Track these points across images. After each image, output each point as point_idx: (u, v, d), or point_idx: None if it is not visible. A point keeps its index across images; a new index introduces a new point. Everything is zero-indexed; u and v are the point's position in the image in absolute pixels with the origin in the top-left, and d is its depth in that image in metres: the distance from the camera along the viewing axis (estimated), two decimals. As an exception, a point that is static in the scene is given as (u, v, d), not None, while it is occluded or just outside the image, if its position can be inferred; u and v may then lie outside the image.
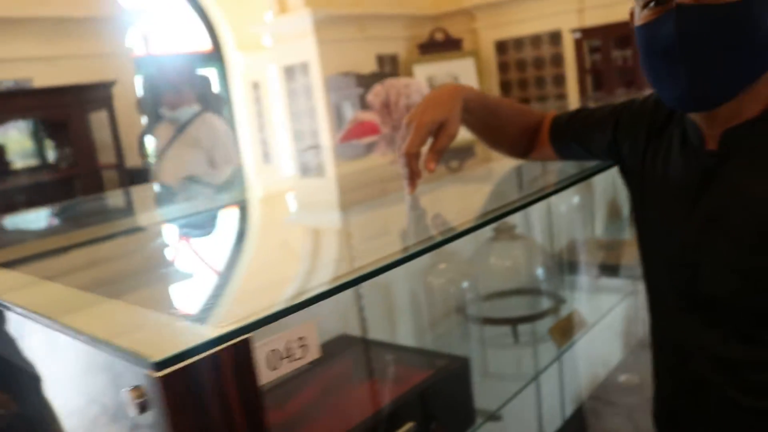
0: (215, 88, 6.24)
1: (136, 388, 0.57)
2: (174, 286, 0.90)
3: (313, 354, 0.68)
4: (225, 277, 0.93)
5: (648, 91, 1.10)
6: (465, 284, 1.93)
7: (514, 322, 1.94)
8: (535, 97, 6.78)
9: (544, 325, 1.97)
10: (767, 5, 0.87)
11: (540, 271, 2.15)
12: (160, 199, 2.14)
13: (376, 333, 1.78)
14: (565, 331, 1.99)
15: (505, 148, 1.30)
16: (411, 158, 1.06)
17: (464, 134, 1.26)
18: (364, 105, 5.64)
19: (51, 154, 4.39)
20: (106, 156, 4.47)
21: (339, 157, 2.66)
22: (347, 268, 0.87)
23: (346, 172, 2.20)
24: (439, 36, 6.85)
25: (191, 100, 3.26)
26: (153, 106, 3.41)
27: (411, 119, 1.07)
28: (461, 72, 6.65)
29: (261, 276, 0.93)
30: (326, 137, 6.28)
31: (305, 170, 2.57)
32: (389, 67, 6.65)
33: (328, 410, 1.34)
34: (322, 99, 6.22)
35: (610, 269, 2.65)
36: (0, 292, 0.86)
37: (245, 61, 7.30)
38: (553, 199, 2.12)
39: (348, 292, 0.84)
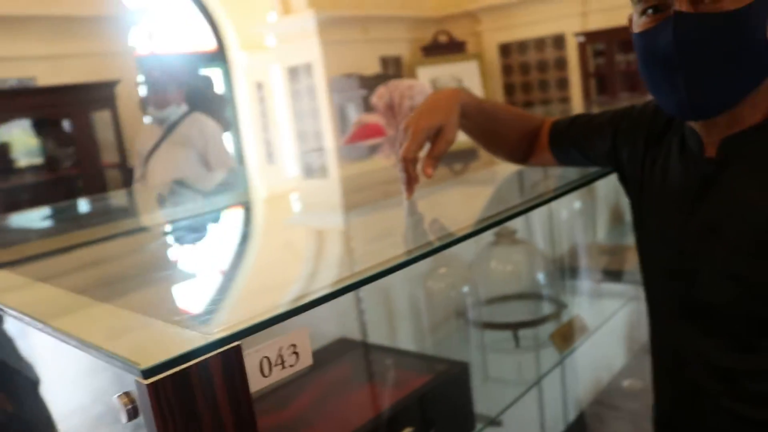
0: (218, 87, 6.24)
1: (125, 394, 0.56)
2: (169, 289, 0.89)
3: (306, 361, 0.67)
4: (220, 281, 0.92)
5: (650, 97, 1.09)
6: (465, 289, 1.91)
7: (514, 327, 1.93)
8: (538, 101, 6.77)
9: (546, 330, 1.96)
10: (766, 13, 0.86)
11: (541, 276, 2.14)
12: (160, 201, 2.14)
13: (376, 337, 1.77)
14: (567, 336, 1.98)
15: (504, 154, 1.30)
16: (408, 163, 1.05)
17: (467, 137, 1.25)
18: (367, 106, 5.64)
19: (54, 153, 4.39)
20: (109, 155, 4.47)
21: (342, 159, 2.66)
22: (345, 272, 0.86)
23: (348, 174, 2.19)
24: (442, 38, 6.85)
25: (179, 99, 3.21)
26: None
27: (408, 124, 1.06)
28: (465, 74, 6.64)
29: (256, 280, 0.92)
30: (329, 138, 6.28)
31: (308, 171, 2.57)
32: (393, 68, 6.65)
33: (327, 414, 1.33)
34: (325, 100, 6.22)
35: (612, 274, 2.63)
36: (-6, 294, 0.86)
37: (249, 62, 7.30)
38: (555, 203, 2.11)
39: (348, 295, 0.84)
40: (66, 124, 4.30)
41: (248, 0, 6.94)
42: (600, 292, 2.54)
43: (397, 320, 1.91)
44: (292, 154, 6.74)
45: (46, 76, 4.27)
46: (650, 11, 0.91)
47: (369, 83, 5.73)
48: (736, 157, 0.93)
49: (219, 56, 7.21)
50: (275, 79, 7.10)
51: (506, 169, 1.44)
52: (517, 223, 2.11)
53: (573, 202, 2.46)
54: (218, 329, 0.60)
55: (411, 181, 1.08)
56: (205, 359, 0.56)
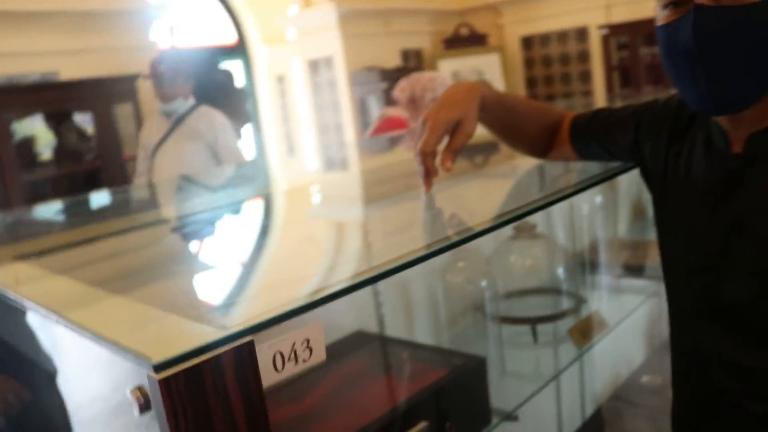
0: (239, 81, 6.25)
1: (138, 388, 0.57)
2: (185, 282, 0.90)
3: (319, 356, 0.67)
4: (237, 274, 0.92)
5: (674, 90, 1.07)
6: (484, 283, 1.91)
7: (533, 321, 1.92)
8: (560, 94, 6.71)
9: (564, 325, 1.95)
10: None
11: (560, 271, 2.12)
12: (179, 194, 2.15)
13: (393, 330, 1.77)
14: (585, 331, 1.97)
15: (524, 147, 1.29)
16: (427, 157, 1.05)
17: (487, 131, 1.24)
18: (388, 99, 5.63)
19: (76, 147, 4.44)
20: (130, 148, 4.51)
21: (363, 151, 2.66)
22: (361, 266, 0.86)
23: (369, 166, 2.19)
24: (464, 31, 6.81)
25: (186, 92, 3.17)
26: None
27: (427, 118, 1.06)
28: (486, 68, 6.60)
29: (272, 274, 0.92)
30: (350, 131, 6.28)
31: (329, 164, 2.57)
32: (414, 61, 6.62)
33: (342, 407, 1.33)
34: (346, 93, 6.21)
35: (633, 270, 2.61)
36: (13, 286, 0.87)
37: (270, 55, 7.31)
38: (576, 198, 2.09)
39: (365, 288, 0.84)
40: (88, 118, 4.34)
41: (269, -7, 6.95)
42: (620, 288, 2.52)
43: (414, 313, 1.90)
44: (312, 146, 6.75)
45: (69, 69, 4.31)
46: (672, 4, 0.90)
47: (390, 76, 5.71)
48: (764, 154, 0.92)
49: (240, 50, 7.23)
50: (296, 72, 7.10)
51: (527, 162, 1.43)
52: (537, 218, 2.10)
53: (594, 197, 2.44)
54: (232, 324, 0.60)
55: (429, 175, 1.07)
56: (218, 354, 0.56)
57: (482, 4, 6.98)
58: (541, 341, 1.92)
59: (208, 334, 0.58)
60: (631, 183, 2.62)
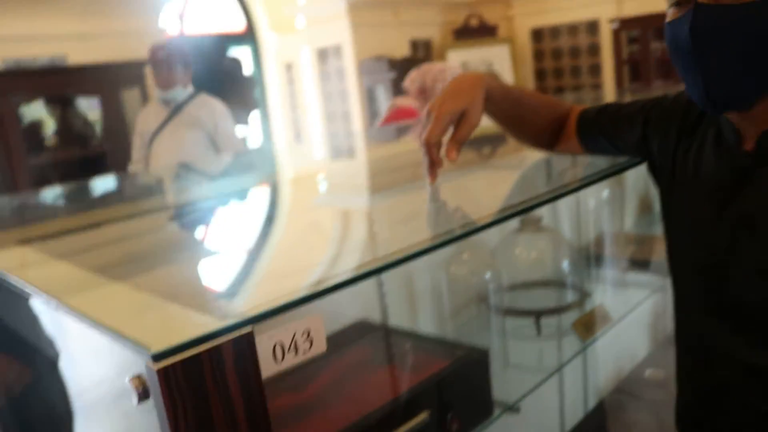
0: (247, 68, 6.25)
1: (137, 376, 0.57)
2: (187, 270, 0.90)
3: (320, 347, 0.67)
4: (240, 263, 0.92)
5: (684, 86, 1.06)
6: (488, 275, 1.90)
7: (537, 314, 1.92)
8: (569, 87, 6.67)
9: (568, 318, 1.94)
10: None
11: (565, 264, 2.11)
12: (185, 181, 2.15)
13: (396, 320, 1.76)
14: (589, 325, 1.96)
15: (530, 140, 1.28)
16: (431, 147, 1.04)
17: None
18: (396, 89, 5.62)
19: (83, 131, 4.44)
20: (137, 134, 4.51)
21: (371, 141, 2.65)
22: (365, 258, 0.86)
23: (376, 156, 2.18)
24: (474, 22, 6.77)
25: (185, 80, 3.13)
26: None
27: (431, 109, 1.05)
28: (496, 59, 6.57)
29: (276, 263, 0.92)
30: (358, 120, 6.27)
31: (335, 152, 2.56)
32: (423, 52, 6.60)
33: (343, 397, 1.33)
34: (354, 82, 6.20)
35: (638, 264, 2.60)
36: (15, 270, 0.87)
37: (278, 43, 7.29)
38: (582, 191, 2.08)
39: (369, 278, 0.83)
40: (95, 102, 4.34)
41: (279, -20, 6.93)
42: (625, 282, 2.51)
43: (418, 304, 1.90)
44: (319, 134, 6.75)
45: (77, 54, 4.31)
46: (677, 3, 0.89)
47: (398, 66, 5.69)
48: None
49: (248, 37, 7.21)
50: (304, 60, 7.09)
51: (534, 154, 1.42)
52: (542, 210, 2.09)
53: (601, 190, 2.43)
54: (232, 314, 0.60)
55: (434, 166, 1.07)
56: (217, 344, 0.56)
57: (493, -5, 6.94)
58: (545, 334, 1.91)
59: (207, 324, 0.58)
60: (638, 177, 2.61)
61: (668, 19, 0.92)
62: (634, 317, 2.31)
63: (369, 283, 1.73)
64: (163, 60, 3.08)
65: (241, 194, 1.66)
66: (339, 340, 1.60)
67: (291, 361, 0.65)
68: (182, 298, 0.72)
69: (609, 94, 4.77)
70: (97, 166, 4.20)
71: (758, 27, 0.83)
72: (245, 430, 0.58)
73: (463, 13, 6.86)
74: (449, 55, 6.57)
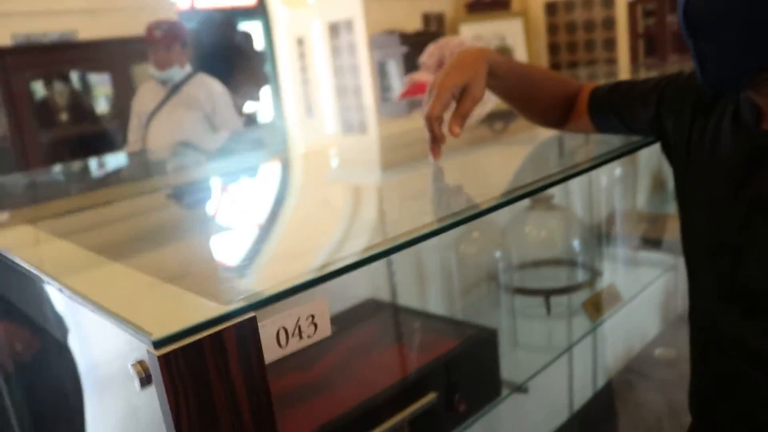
0: (258, 43, 6.21)
1: (140, 362, 0.56)
2: (193, 252, 0.89)
3: (324, 332, 0.66)
4: (245, 245, 0.92)
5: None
6: (498, 253, 1.89)
7: (547, 293, 1.91)
8: (583, 61, 6.59)
9: (579, 298, 1.93)
10: None
11: (576, 243, 2.10)
12: (195, 158, 2.15)
13: (406, 299, 1.76)
14: (599, 305, 1.95)
15: (537, 117, 1.26)
16: (433, 122, 1.03)
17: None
18: (408, 63, 5.57)
19: (96, 107, 4.44)
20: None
21: (382, 115, 2.64)
22: (372, 239, 0.85)
23: (388, 131, 2.17)
24: (487, -5, 6.68)
25: (182, 59, 3.08)
26: (195, 60, 3.32)
27: (434, 83, 1.04)
28: (509, 33, 6.49)
29: (282, 245, 0.91)
30: (369, 95, 6.24)
31: (347, 127, 2.55)
32: (435, 25, 6.53)
33: (351, 376, 1.33)
34: (366, 56, 6.15)
35: (651, 243, 2.58)
36: (20, 250, 0.87)
37: (289, 17, 7.24)
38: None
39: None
40: (106, 78, 4.33)
41: (290, -47, 6.86)
42: (637, 261, 2.50)
43: (427, 283, 1.90)
44: (331, 109, 6.72)
45: (87, 29, 4.30)
46: None
47: (410, 40, 5.64)
48: None
49: (259, 11, 7.16)
50: (316, 34, 7.04)
51: (547, 131, 1.40)
52: (554, 188, 2.07)
53: (613, 168, 2.41)
54: (235, 299, 0.59)
55: (436, 141, 1.06)
56: (219, 330, 0.55)
57: (506, -32, 6.83)
58: (555, 313, 1.91)
59: (210, 309, 0.58)
60: (651, 154, 2.57)
61: None
62: (645, 296, 2.30)
63: (378, 262, 1.72)
64: (160, 39, 3.04)
65: (251, 171, 1.65)
66: (348, 319, 1.60)
67: (295, 346, 0.64)
68: (186, 281, 0.71)
69: (623, 68, 4.71)
70: (105, 142, 4.20)
71: (753, 6, 0.81)
72: (248, 416, 0.58)
73: (476, -13, 6.77)
74: (462, 28, 6.50)
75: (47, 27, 4.22)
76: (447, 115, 1.05)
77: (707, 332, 1.05)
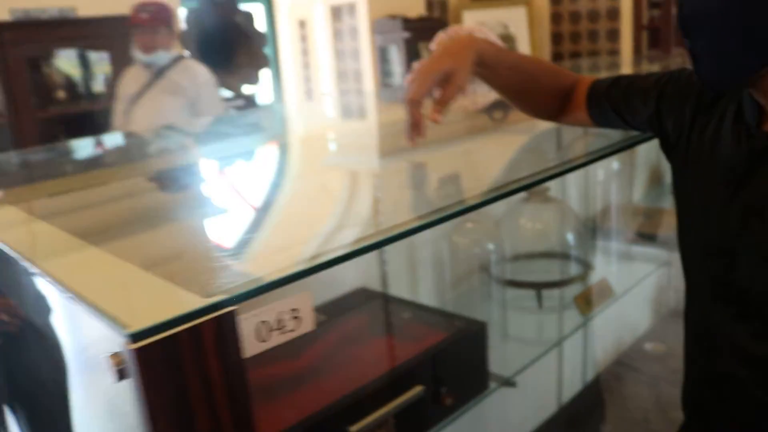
0: (259, 24, 6.16)
1: (115, 354, 0.55)
2: (178, 239, 0.88)
3: (308, 326, 0.66)
4: (232, 233, 0.91)
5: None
6: (492, 245, 1.89)
7: (538, 286, 1.91)
8: (586, 52, 6.55)
9: (571, 291, 1.93)
10: None
11: (571, 237, 2.09)
12: (193, 140, 2.13)
13: (397, 289, 1.75)
14: (591, 300, 1.95)
15: (531, 109, 1.24)
16: (412, 106, 1.01)
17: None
18: (409, 49, 5.53)
19: (95, 85, 4.41)
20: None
21: (382, 101, 2.62)
22: (363, 230, 0.84)
23: (386, 117, 2.15)
24: (491, -18, 6.63)
25: (168, 43, 2.99)
26: (195, 39, 3.27)
27: (418, 68, 1.02)
28: (512, 21, 6.45)
29: (271, 235, 0.91)
30: (369, 80, 6.20)
31: (347, 111, 2.53)
32: (438, 11, 6.49)
33: (337, 367, 1.33)
34: (367, 41, 6.11)
35: (646, 237, 2.58)
36: (3, 233, 0.86)
37: (292, -1, 7.18)
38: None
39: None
40: (105, 56, 4.29)
41: (294, -66, 6.79)
42: (632, 255, 2.49)
43: (419, 273, 1.89)
44: (331, 93, 6.69)
45: (87, 5, 4.25)
46: None
47: (413, 26, 5.60)
48: None
49: (262, -9, 7.10)
50: (318, 17, 6.99)
51: (547, 122, 1.39)
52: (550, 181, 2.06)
53: (610, 162, 2.39)
54: (215, 291, 0.59)
55: (415, 126, 1.04)
56: (197, 324, 0.55)
57: (511, -45, 6.78)
58: (546, 307, 1.90)
59: (189, 301, 0.57)
60: (650, 148, 2.56)
61: None
62: (638, 291, 2.30)
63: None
64: (146, 22, 2.95)
65: (245, 155, 1.64)
66: (338, 308, 1.60)
67: (277, 340, 0.64)
68: (168, 269, 0.70)
69: (626, 60, 4.69)
70: (103, 122, 4.17)
71: (748, 5, 0.80)
72: (225, 411, 0.57)
73: (481, -27, 6.72)
74: (465, 15, 6.46)
75: (46, 2, 4.18)
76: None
77: (702, 332, 1.05)
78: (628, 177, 2.61)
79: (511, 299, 1.90)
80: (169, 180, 1.33)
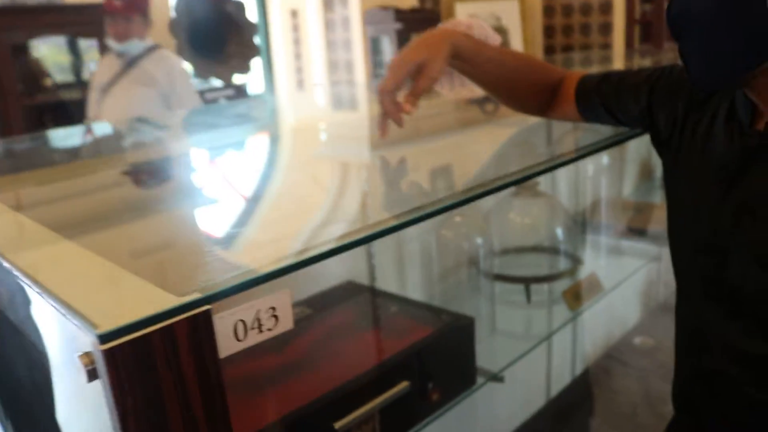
0: (251, 13, 6.12)
1: (86, 354, 0.54)
2: (155, 234, 0.86)
3: (286, 325, 0.64)
4: (214, 227, 0.89)
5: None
6: (480, 239, 1.87)
7: (527, 281, 1.90)
8: (578, 45, 6.54)
9: (560, 286, 1.92)
10: None
11: (560, 231, 2.08)
12: (183, 130, 2.11)
13: (384, 283, 1.74)
14: (580, 294, 1.94)
15: (515, 104, 1.23)
16: (384, 96, 1.01)
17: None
18: (401, 40, 5.50)
19: (85, 72, 4.36)
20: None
21: (373, 91, 2.60)
22: (349, 225, 0.82)
23: (378, 109, 2.13)
24: (484, -27, 6.60)
25: (142, 32, 2.90)
26: (185, 28, 3.21)
27: (393, 59, 1.02)
28: (504, 14, 6.44)
29: (253, 229, 0.89)
30: (361, 71, 6.18)
31: (338, 102, 2.51)
32: (430, 3, 6.46)
33: (322, 362, 1.31)
34: (359, 31, 6.08)
35: (636, 231, 2.57)
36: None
37: (284, -12, 7.13)
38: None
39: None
40: (94, 43, 4.25)
41: None
42: (621, 250, 2.49)
43: (407, 267, 1.88)
44: (322, 83, 6.66)
45: (75, -8, 4.21)
46: None
47: (405, 17, 5.58)
48: None
49: (254, -20, 7.04)
50: (310, 7, 6.95)
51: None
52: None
53: (601, 156, 2.38)
54: (189, 290, 0.57)
55: (386, 116, 1.03)
56: (170, 324, 0.53)
57: (505, -54, 6.75)
58: (535, 301, 1.89)
59: (161, 301, 0.55)
60: (640, 143, 2.55)
61: None
62: (628, 286, 2.29)
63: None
64: (120, 9, 2.86)
65: (233, 146, 1.62)
66: (325, 301, 1.58)
67: (254, 339, 0.62)
68: (143, 265, 0.69)
69: (618, 54, 4.68)
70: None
71: (736, 10, 0.79)
72: (200, 412, 0.55)
73: (474, -35, 6.68)
74: (457, 7, 6.43)
75: (33, -11, 4.12)
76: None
77: (692, 329, 1.04)
78: (618, 171, 2.60)
79: (500, 294, 1.89)
80: (150, 172, 1.30)
